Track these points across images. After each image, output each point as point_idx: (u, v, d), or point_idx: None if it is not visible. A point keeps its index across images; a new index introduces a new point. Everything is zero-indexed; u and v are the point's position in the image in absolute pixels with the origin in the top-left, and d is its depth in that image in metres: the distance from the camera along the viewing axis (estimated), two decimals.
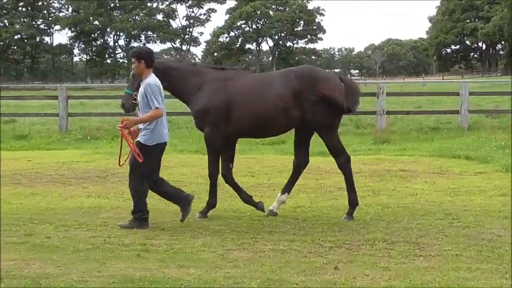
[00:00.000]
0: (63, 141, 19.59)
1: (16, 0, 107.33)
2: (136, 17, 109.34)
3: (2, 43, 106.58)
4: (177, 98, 10.11)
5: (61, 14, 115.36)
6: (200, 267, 6.92)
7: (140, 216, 8.91)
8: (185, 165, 14.83)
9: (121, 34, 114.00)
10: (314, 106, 9.22)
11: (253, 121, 9.42)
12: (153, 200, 9.77)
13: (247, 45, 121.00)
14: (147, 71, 8.93)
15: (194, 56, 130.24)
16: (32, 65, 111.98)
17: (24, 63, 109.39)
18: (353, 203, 9.54)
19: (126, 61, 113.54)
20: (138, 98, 9.01)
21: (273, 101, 9.29)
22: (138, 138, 8.95)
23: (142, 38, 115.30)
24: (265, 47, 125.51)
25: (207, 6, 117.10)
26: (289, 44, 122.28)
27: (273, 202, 9.96)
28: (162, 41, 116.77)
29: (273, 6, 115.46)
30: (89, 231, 8.57)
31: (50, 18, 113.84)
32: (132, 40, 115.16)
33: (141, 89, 8.91)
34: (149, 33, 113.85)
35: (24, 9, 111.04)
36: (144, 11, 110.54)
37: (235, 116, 9.42)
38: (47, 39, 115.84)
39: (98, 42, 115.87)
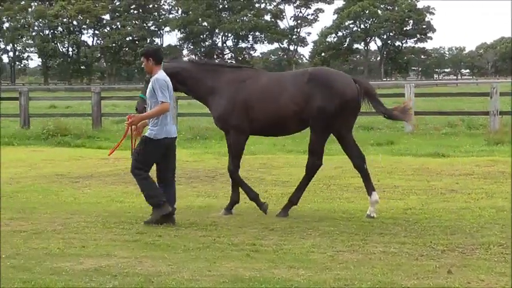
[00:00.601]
0: None
1: (128, 3, 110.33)
2: (244, 18, 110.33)
3: (114, 45, 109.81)
4: (194, 98, 10.36)
5: (171, 16, 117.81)
6: (310, 268, 6.89)
7: (157, 202, 8.96)
8: (293, 165, 14.82)
9: (229, 35, 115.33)
10: (318, 105, 9.34)
11: (268, 120, 9.60)
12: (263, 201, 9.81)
13: (355, 45, 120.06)
14: (156, 68, 9.15)
15: (302, 56, 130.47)
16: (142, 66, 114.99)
17: (135, 64, 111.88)
18: (294, 201, 9.72)
19: (234, 62, 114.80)
20: (147, 95, 9.19)
21: (285, 101, 9.45)
22: (146, 133, 9.15)
23: (250, 38, 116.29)
24: (373, 46, 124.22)
25: (314, 6, 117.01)
26: (398, 43, 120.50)
27: (382, 203, 9.84)
28: (270, 42, 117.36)
29: (381, 6, 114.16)
30: (199, 231, 8.68)
31: (160, 20, 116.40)
32: (240, 41, 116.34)
33: (149, 85, 9.09)
34: (257, 33, 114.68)
35: (135, 11, 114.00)
36: (252, 12, 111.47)
37: (252, 115, 9.61)
38: (157, 40, 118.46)
39: (207, 43, 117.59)
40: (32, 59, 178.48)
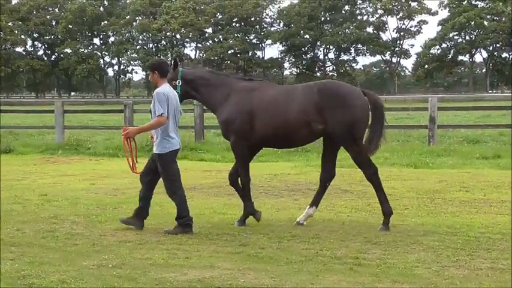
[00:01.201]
0: (275, 153, 20.03)
1: (230, 16, 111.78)
2: (347, 30, 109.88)
3: (216, 58, 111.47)
4: (205, 106, 10.72)
5: (272, 29, 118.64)
6: (414, 283, 6.78)
7: (184, 222, 9.35)
8: (396, 178, 14.65)
9: (331, 47, 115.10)
10: (334, 119, 9.47)
11: (275, 132, 9.76)
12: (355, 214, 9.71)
13: (460, 57, 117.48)
14: (161, 81, 9.48)
15: (404, 68, 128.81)
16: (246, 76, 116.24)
17: None
18: (388, 212, 9.64)
19: (335, 74, 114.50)
20: (151, 107, 9.45)
21: (294, 113, 9.60)
22: (154, 151, 9.45)
23: (352, 51, 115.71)
24: (478, 58, 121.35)
25: (418, 18, 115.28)
26: (504, 55, 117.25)
27: (489, 218, 9.58)
28: (372, 54, 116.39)
29: (487, 17, 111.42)
30: (301, 243, 8.67)
31: (262, 33, 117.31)
32: (342, 53, 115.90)
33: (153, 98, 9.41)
34: (359, 46, 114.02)
35: (237, 24, 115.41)
36: (354, 24, 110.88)
37: (257, 126, 9.81)
38: (258, 53, 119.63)
39: (308, 56, 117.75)
40: (136, 72, 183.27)
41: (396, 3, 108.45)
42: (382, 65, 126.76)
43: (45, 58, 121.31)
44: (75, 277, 7.00)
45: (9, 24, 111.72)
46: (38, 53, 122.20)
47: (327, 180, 10.18)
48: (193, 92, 10.29)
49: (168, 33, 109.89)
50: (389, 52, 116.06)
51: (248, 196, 10.19)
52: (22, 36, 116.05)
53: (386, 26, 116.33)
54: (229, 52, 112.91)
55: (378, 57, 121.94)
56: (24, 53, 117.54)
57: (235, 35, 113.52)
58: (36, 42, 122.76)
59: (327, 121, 9.52)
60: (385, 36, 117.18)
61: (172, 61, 10.42)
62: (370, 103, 9.66)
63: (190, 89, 10.22)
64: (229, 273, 7.20)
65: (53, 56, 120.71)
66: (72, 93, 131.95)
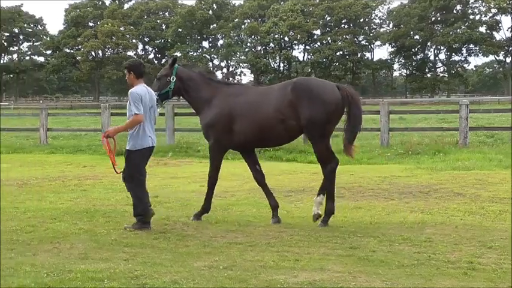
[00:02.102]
0: (384, 155, 19.83)
1: (339, 18, 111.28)
2: (458, 30, 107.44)
3: (324, 60, 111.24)
4: (190, 106, 11.11)
5: (382, 30, 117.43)
6: None
7: (142, 219, 9.76)
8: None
9: (441, 48, 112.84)
10: (307, 115, 9.85)
11: (253, 131, 10.27)
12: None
13: None
14: (136, 81, 9.95)
15: None
16: (352, 80, 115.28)
17: (345, 79, 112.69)
18: (330, 210, 10.17)
19: (446, 75, 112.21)
20: (127, 106, 9.86)
21: (270, 112, 10.08)
22: (126, 147, 9.87)
23: (464, 51, 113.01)
24: None
25: None
26: None
27: None
28: (485, 54, 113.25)
29: None
30: (413, 247, 8.54)
31: (371, 34, 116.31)
32: (453, 54, 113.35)
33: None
34: (471, 46, 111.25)
35: (346, 26, 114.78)
36: (466, 24, 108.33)
37: (236, 129, 10.35)
38: (367, 55, 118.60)
39: (418, 57, 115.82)
40: (244, 75, 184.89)
41: (510, 2, 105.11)
42: (495, 66, 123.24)
43: (156, 62, 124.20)
44: (187, 278, 7.13)
45: (121, 28, 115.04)
46: (149, 57, 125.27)
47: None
48: (182, 90, 10.90)
49: (276, 36, 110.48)
50: (503, 52, 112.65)
51: (211, 192, 10.77)
52: (133, 41, 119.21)
53: (500, 25, 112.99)
54: (338, 54, 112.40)
55: (491, 58, 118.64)
56: (135, 57, 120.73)
57: (344, 36, 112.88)
58: (147, 46, 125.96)
59: (299, 117, 9.93)
60: (499, 36, 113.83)
61: (171, 59, 11.07)
62: (345, 97, 10.00)
63: (182, 88, 10.85)
64: (339, 276, 7.17)
65: (163, 60, 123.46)
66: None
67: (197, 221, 10.47)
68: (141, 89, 9.84)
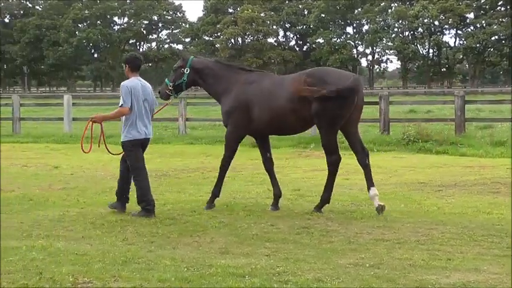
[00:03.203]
0: None
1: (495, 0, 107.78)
2: None
3: (478, 45, 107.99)
4: (209, 94, 11.88)
5: None
6: None
7: (144, 206, 10.54)
8: None
9: None
10: (318, 105, 10.33)
11: (268, 119, 10.85)
12: None
13: None
14: (131, 74, 10.87)
15: None
16: (509, 67, 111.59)
17: (501, 66, 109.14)
18: (325, 199, 10.96)
19: None
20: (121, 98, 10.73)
21: (283, 101, 10.63)
22: (121, 139, 10.83)
23: None
24: None
25: None
26: None
27: None
28: None
29: None
30: None
31: None
32: None
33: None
34: None
35: (502, 8, 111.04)
36: None
37: (254, 116, 10.93)
38: None
39: None
40: (391, 62, 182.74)
41: None
42: None
43: (297, 49, 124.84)
44: (331, 275, 7.11)
45: (261, 14, 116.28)
46: (290, 44, 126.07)
47: (365, 161, 11.02)
48: (200, 80, 11.60)
49: (425, 20, 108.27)
50: None
51: (221, 178, 11.46)
52: (274, 27, 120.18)
53: None
54: (493, 39, 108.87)
55: None
56: (275, 44, 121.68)
57: (500, 19, 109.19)
58: (287, 33, 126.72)
59: (311, 107, 10.40)
60: None
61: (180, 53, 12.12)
62: (356, 88, 10.44)
63: (198, 78, 11.56)
64: (496, 278, 6.97)
65: (305, 47, 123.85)
66: None
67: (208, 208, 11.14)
68: (132, 82, 10.77)
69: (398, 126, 24.22)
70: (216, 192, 11.41)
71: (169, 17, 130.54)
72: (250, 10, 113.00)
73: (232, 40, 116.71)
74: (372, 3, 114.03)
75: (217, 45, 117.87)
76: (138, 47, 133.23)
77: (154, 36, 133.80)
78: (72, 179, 13.67)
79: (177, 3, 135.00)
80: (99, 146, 11.25)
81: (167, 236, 9.10)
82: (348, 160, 17.97)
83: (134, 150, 10.80)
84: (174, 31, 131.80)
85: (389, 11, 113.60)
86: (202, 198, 12.17)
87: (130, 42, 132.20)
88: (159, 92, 11.86)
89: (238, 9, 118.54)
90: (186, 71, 11.54)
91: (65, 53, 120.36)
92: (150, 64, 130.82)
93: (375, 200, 10.78)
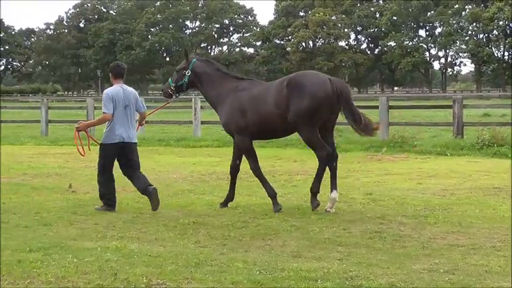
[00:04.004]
0: None
1: None
2: None
3: None
4: (205, 99, 12.44)
5: None
6: None
7: (107, 202, 11.46)
8: None
9: None
10: (295, 105, 10.91)
11: (259, 125, 11.36)
12: None
13: None
14: (114, 81, 11.64)
15: None
16: None
17: None
18: (315, 191, 11.27)
19: None
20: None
21: (270, 107, 11.17)
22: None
23: None
24: None
25: None
26: None
27: None
28: None
29: None
30: None
31: None
32: None
33: None
34: None
35: None
36: None
37: (247, 121, 11.41)
38: None
39: None
40: (465, 65, 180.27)
41: None
42: None
43: (368, 52, 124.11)
44: (405, 281, 7.04)
45: (333, 17, 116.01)
46: (361, 47, 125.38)
47: (333, 163, 11.29)
48: (198, 84, 12.10)
49: (501, 23, 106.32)
50: None
51: (263, 180, 11.71)
52: (345, 30, 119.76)
53: None
54: None
55: None
56: (347, 47, 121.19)
57: None
58: (359, 36, 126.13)
59: (289, 110, 10.94)
60: None
61: (184, 52, 12.63)
62: (335, 91, 10.91)
63: (197, 81, 12.05)
64: None
65: (376, 50, 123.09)
66: (395, 88, 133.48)
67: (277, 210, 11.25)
68: (114, 90, 11.53)
69: (472, 130, 23.86)
70: (270, 192, 11.59)
71: (240, 21, 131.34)
72: (321, 13, 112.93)
73: (303, 43, 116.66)
74: (446, 5, 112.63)
75: (288, 49, 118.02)
76: (209, 51, 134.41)
77: (226, 39, 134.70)
78: None
79: (248, 6, 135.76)
80: (89, 149, 12.12)
81: (239, 239, 9.14)
82: (421, 164, 17.83)
83: (108, 153, 11.54)
84: (245, 35, 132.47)
85: (463, 13, 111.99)
86: None
87: (201, 45, 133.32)
88: (162, 90, 12.67)
89: (310, 12, 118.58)
90: (188, 73, 12.06)
91: (137, 57, 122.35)
92: None
93: (332, 203, 11.21)
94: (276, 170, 17.16)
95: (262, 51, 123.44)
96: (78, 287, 6.98)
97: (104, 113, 11.46)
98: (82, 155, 12.05)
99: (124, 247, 8.56)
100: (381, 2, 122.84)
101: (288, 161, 19.40)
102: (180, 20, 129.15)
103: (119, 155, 11.58)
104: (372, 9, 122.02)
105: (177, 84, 12.13)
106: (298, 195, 12.88)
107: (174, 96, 12.32)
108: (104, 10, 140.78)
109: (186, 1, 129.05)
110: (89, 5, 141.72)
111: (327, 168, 11.27)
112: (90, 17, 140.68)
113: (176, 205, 11.89)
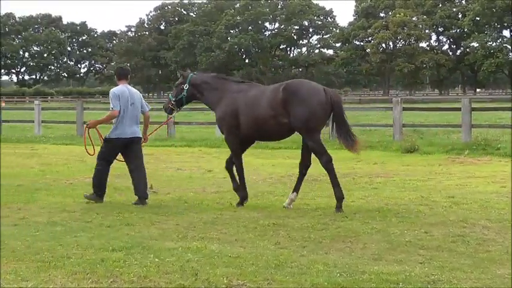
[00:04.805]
0: None
1: None
2: None
3: None
4: (207, 106, 13.15)
5: None
6: None
7: (96, 193, 12.38)
8: None
9: None
10: (295, 112, 11.54)
11: (253, 125, 11.99)
12: None
13: None
14: (118, 82, 12.64)
15: None
16: None
17: None
18: (339, 197, 11.63)
19: None
20: None
21: (264, 109, 11.79)
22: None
23: None
24: None
25: None
26: None
27: None
28: None
29: None
30: None
31: None
32: None
33: None
34: None
35: None
36: None
37: (241, 122, 12.06)
38: None
39: None
40: None
41: None
42: None
43: (450, 53, 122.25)
44: (489, 286, 6.94)
45: (414, 18, 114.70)
46: (443, 48, 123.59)
47: (304, 169, 12.21)
48: (198, 94, 12.83)
49: None
50: None
51: (241, 180, 12.43)
52: (426, 31, 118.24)
53: None
54: None
55: None
56: (428, 48, 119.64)
57: None
58: (440, 37, 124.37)
59: (289, 115, 11.56)
60: None
61: (180, 72, 13.35)
62: (330, 100, 11.59)
63: (197, 92, 12.80)
64: None
65: (458, 51, 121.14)
66: (478, 90, 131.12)
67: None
68: (119, 89, 12.43)
69: None
70: (243, 195, 12.31)
71: (319, 22, 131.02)
72: (402, 14, 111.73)
73: (383, 44, 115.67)
74: None
75: (368, 50, 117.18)
76: (288, 52, 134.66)
77: (305, 41, 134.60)
78: (225, 182, 13.94)
79: (328, 7, 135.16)
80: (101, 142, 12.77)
81: (319, 241, 9.12)
82: (505, 167, 17.46)
83: (111, 148, 12.51)
84: (324, 36, 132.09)
85: None
86: (353, 203, 12.17)
87: (280, 47, 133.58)
88: (163, 106, 13.38)
89: (390, 13, 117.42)
90: (186, 87, 12.79)
91: (217, 59, 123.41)
92: (300, 69, 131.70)
93: (289, 202, 12.00)
94: (356, 172, 17.09)
95: (342, 52, 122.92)
96: (160, 286, 7.09)
97: (111, 109, 12.33)
98: (90, 155, 12.93)
99: (205, 248, 8.65)
100: (463, 2, 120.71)
101: (368, 163, 19.26)
102: (260, 22, 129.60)
103: (123, 149, 12.55)
104: (454, 9, 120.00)
105: (177, 98, 12.89)
106: (379, 198, 12.79)
107: (175, 111, 13.18)
108: (184, 12, 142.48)
109: (266, 2, 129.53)
110: (170, 7, 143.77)
111: (298, 170, 12.34)
112: (171, 19, 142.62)
113: (256, 206, 11.96)
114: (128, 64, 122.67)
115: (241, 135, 12.27)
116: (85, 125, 13.08)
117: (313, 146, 11.73)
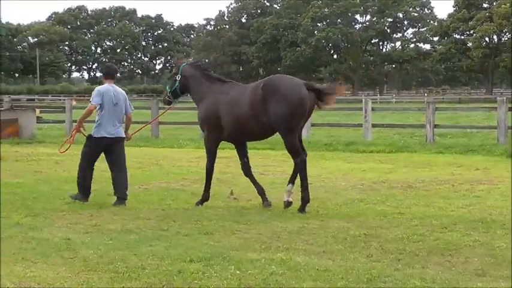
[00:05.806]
0: None
1: None
2: None
3: None
4: (193, 101, 13.75)
5: None
6: None
7: (80, 191, 13.21)
8: None
9: None
10: (274, 110, 12.05)
11: (234, 126, 12.61)
12: None
13: None
14: (105, 81, 13.48)
15: None
16: None
17: None
18: (305, 199, 12.34)
19: None
20: None
21: (245, 108, 12.37)
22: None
23: None
24: None
25: None
26: None
27: None
28: None
29: None
30: None
31: None
32: None
33: None
34: None
35: None
36: None
37: (223, 122, 12.70)
38: None
39: None
40: None
41: None
42: None
43: None
44: None
45: None
46: None
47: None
48: (188, 86, 13.42)
49: None
50: None
51: (209, 181, 13.08)
52: None
53: None
54: None
55: None
56: None
57: None
58: None
59: (269, 113, 12.08)
60: None
61: (174, 59, 14.21)
62: (311, 95, 12.15)
63: (187, 84, 13.40)
64: None
65: None
66: None
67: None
68: (104, 87, 13.27)
69: None
70: (204, 195, 13.12)
71: (415, 14, 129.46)
72: (508, 4, 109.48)
73: (487, 38, 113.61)
74: None
75: (469, 44, 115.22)
76: (380, 47, 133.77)
77: (399, 35, 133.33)
78: (312, 189, 13.89)
79: None
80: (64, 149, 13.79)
81: (415, 254, 9.02)
82: None
83: (94, 148, 13.26)
84: (420, 29, 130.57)
85: None
86: (453, 213, 12.00)
87: (372, 41, 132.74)
88: (162, 99, 14.32)
89: (495, 3, 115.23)
90: (178, 78, 13.50)
91: (302, 54, 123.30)
92: (393, 66, 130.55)
93: (288, 195, 12.65)
94: (456, 178, 16.82)
95: (440, 47, 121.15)
96: None
97: (90, 104, 13.18)
98: (61, 152, 14.02)
99: (290, 259, 8.65)
100: None
101: (470, 169, 18.96)
102: (349, 14, 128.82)
103: (106, 149, 13.28)
104: None
105: (172, 89, 13.61)
106: (482, 207, 12.58)
107: (173, 103, 13.96)
108: (268, 4, 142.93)
109: None
110: None
111: (292, 162, 12.76)
112: (253, 11, 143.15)
113: (345, 215, 11.90)
114: (206, 60, 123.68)
115: (223, 136, 12.97)
116: (74, 128, 13.85)
117: (290, 146, 12.36)
